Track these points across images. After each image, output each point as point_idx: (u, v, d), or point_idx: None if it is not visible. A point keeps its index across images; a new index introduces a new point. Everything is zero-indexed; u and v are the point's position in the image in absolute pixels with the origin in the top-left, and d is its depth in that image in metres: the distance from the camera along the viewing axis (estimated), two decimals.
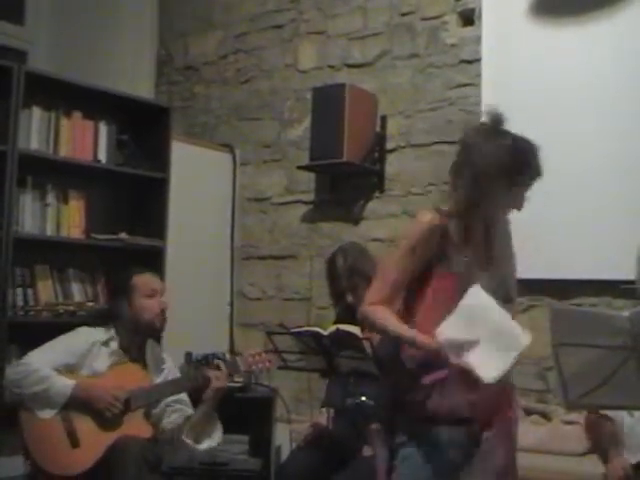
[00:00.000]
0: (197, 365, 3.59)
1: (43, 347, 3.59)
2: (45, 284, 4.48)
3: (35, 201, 4.44)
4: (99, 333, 3.69)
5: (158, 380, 3.69)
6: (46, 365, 3.47)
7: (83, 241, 4.63)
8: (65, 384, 3.45)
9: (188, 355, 3.64)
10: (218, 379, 3.58)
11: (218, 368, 3.60)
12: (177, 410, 3.69)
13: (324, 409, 3.75)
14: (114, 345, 3.67)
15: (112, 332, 3.70)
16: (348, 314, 3.55)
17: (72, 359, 3.57)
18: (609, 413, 3.04)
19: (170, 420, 3.67)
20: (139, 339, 3.74)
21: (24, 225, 4.37)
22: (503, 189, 2.58)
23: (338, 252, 3.84)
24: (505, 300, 2.60)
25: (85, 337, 3.66)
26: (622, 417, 3.03)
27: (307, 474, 3.55)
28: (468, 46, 4.67)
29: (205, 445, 3.65)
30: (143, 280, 3.76)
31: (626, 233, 3.20)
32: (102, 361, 3.61)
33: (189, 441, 3.60)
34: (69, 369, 3.55)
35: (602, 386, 2.41)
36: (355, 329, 3.21)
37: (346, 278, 3.71)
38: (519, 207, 2.65)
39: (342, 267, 3.73)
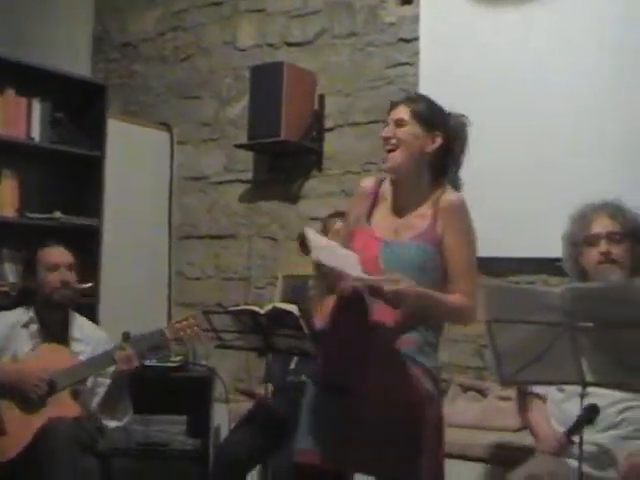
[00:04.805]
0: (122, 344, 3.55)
1: None
2: None
3: None
4: (18, 314, 3.64)
5: (85, 357, 3.62)
6: None
7: (17, 220, 4.56)
8: None
9: (125, 334, 3.58)
10: (122, 361, 3.51)
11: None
12: (101, 385, 3.64)
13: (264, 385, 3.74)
14: (34, 327, 3.61)
15: (31, 312, 3.64)
16: None
17: None
18: (539, 390, 3.08)
19: (97, 394, 3.64)
20: (56, 316, 3.68)
21: None
22: None
23: None
24: None
25: (4, 320, 3.60)
26: (551, 392, 3.07)
27: (246, 453, 3.55)
28: (406, 25, 4.66)
29: (112, 424, 3.64)
30: (45, 254, 3.69)
31: (563, 211, 3.23)
32: (23, 344, 3.56)
33: (99, 417, 3.60)
34: None
35: (536, 362, 2.45)
36: (292, 307, 3.20)
37: None
38: None
39: None
